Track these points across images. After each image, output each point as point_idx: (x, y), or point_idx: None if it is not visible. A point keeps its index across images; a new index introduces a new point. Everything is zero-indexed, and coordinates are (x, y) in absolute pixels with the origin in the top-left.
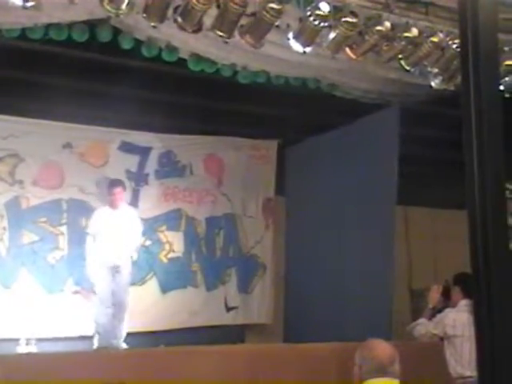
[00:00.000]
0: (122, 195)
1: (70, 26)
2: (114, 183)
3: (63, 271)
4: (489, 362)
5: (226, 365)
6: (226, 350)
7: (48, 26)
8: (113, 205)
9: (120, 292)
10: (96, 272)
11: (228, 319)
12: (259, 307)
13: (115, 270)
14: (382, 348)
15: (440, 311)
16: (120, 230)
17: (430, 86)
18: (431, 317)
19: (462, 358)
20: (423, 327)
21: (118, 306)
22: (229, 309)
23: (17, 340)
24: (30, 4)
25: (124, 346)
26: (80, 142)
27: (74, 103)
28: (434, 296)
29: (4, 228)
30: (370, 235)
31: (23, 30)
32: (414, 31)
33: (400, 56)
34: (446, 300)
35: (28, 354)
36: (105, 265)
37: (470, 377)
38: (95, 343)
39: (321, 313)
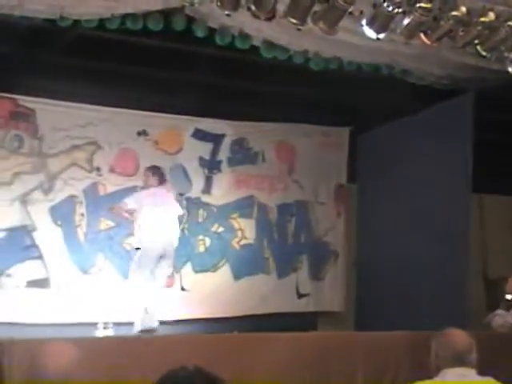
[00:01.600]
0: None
1: (146, 15)
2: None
3: None
4: None
5: (298, 352)
6: (298, 337)
7: (124, 16)
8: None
9: None
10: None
11: (299, 306)
12: (331, 294)
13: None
14: (459, 337)
15: None
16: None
17: (507, 72)
18: (509, 308)
19: None
20: (501, 318)
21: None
22: (300, 296)
23: (95, 324)
24: None
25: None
26: (155, 130)
27: (149, 91)
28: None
29: (82, 214)
30: (444, 223)
31: (100, 20)
32: (491, 15)
33: (476, 41)
34: None
35: (106, 338)
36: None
37: None
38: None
39: (393, 301)
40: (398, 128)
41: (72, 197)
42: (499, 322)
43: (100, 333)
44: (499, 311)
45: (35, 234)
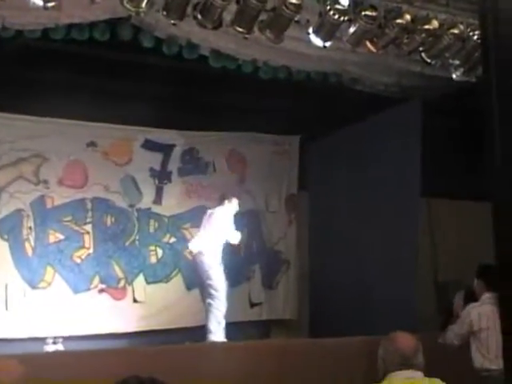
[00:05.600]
0: None
1: (92, 25)
2: None
3: (89, 270)
4: None
5: (252, 360)
6: (252, 345)
7: (70, 26)
8: None
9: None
10: None
11: (252, 315)
12: (284, 303)
13: None
14: (404, 340)
15: None
16: None
17: (451, 78)
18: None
19: (489, 351)
20: (451, 332)
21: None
22: (253, 305)
23: (44, 339)
24: (50, 4)
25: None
26: (104, 141)
27: (96, 102)
28: (458, 307)
29: (30, 228)
30: (394, 228)
31: (45, 30)
32: (435, 23)
33: (421, 48)
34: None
35: (55, 353)
36: None
37: (496, 370)
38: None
39: (346, 307)
40: (348, 135)
41: (19, 210)
42: (450, 336)
43: (49, 347)
44: (450, 327)
45: None
